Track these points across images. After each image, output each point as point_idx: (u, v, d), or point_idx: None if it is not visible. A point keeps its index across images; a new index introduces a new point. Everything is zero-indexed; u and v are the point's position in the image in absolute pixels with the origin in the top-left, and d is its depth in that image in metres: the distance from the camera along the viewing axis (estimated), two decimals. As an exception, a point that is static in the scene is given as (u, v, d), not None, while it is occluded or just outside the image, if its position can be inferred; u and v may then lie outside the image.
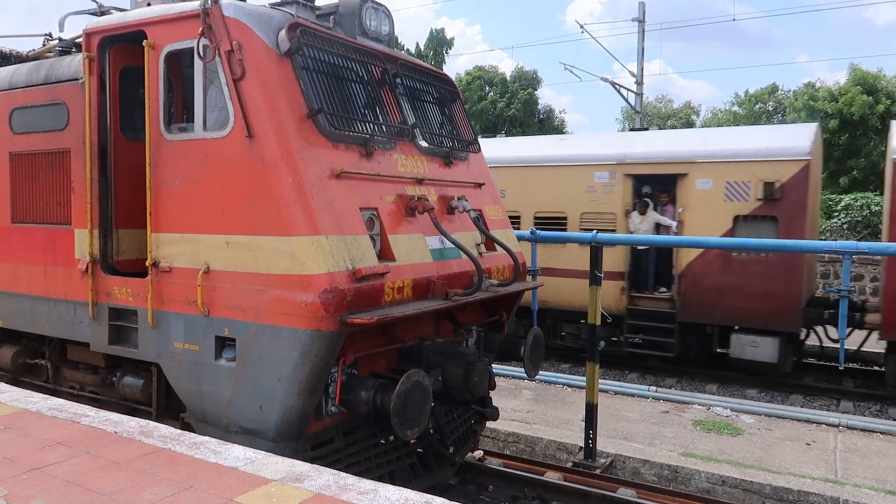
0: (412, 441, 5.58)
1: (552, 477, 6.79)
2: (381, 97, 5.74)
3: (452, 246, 5.45)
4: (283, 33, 4.92)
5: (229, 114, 4.84)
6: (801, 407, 10.58)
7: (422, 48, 45.41)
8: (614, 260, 11.67)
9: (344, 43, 5.49)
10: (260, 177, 4.68)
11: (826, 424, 8.97)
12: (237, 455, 4.15)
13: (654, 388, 10.35)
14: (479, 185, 6.68)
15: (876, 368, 12.88)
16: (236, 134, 4.80)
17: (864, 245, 6.94)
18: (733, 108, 54.59)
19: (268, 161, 4.65)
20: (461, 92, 7.19)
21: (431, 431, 5.82)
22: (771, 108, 52.21)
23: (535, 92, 51.01)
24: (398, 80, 6.06)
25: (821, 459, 7.70)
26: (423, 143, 6.11)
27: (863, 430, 8.83)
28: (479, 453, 7.36)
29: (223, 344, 4.90)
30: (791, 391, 11.54)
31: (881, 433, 8.69)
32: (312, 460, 4.69)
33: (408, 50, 42.01)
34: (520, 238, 7.32)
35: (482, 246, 6.27)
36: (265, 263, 4.64)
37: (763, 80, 77.70)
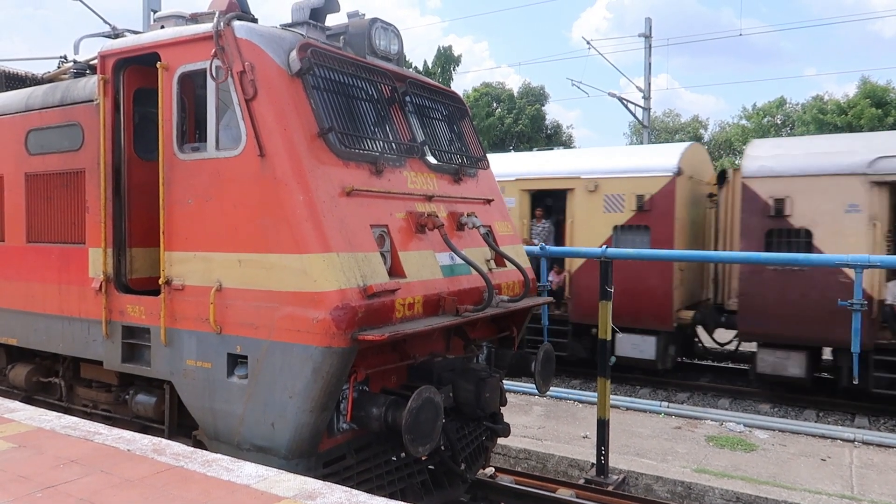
0: (424, 458, 5.56)
1: (564, 494, 6.74)
2: (390, 115, 5.80)
3: (462, 262, 5.47)
4: (294, 54, 4.99)
5: (241, 133, 4.90)
6: (816, 422, 10.48)
7: (430, 66, 45.74)
8: None
9: (354, 62, 5.56)
10: (272, 195, 4.72)
11: (841, 440, 8.88)
12: (249, 472, 4.16)
13: (665, 403, 10.29)
14: (489, 202, 6.71)
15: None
16: (248, 153, 4.86)
17: (875, 258, 6.90)
18: (741, 122, 54.60)
19: (279, 179, 4.70)
20: (469, 108, 7.24)
21: (443, 448, 5.80)
22: (779, 122, 52.16)
23: (543, 107, 51.21)
24: (407, 98, 6.12)
25: (836, 475, 7.61)
26: (433, 160, 6.15)
27: (879, 445, 8.73)
28: (490, 470, 7.32)
29: (235, 361, 4.92)
30: (805, 406, 11.43)
31: (897, 448, 8.59)
32: (324, 477, 4.70)
33: (416, 68, 42.32)
34: (529, 254, 7.33)
35: (492, 262, 6.29)
36: (277, 281, 4.67)
37: (771, 94, 77.72)
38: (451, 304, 5.26)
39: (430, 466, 5.86)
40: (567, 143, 51.63)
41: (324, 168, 4.85)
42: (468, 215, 6.03)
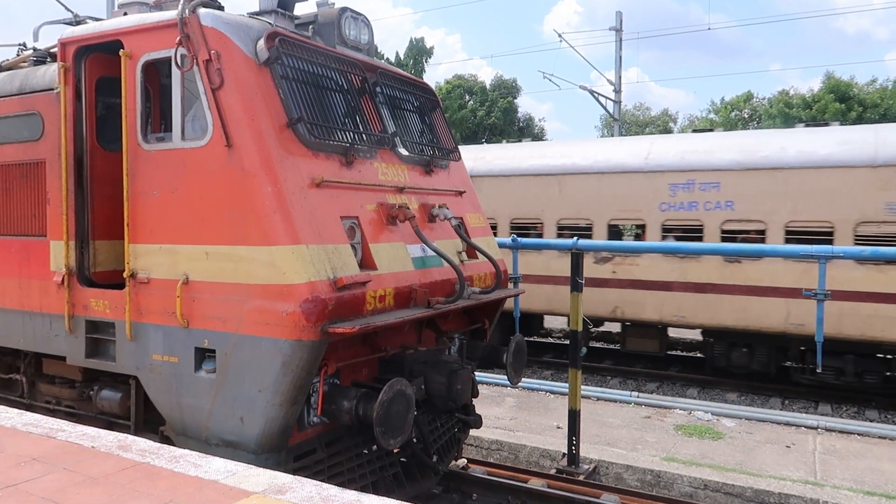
0: (395, 450, 5.55)
1: (536, 484, 6.79)
2: (361, 106, 5.74)
3: (434, 254, 5.45)
4: (261, 42, 4.90)
5: (208, 123, 4.81)
6: (781, 410, 10.71)
7: (402, 57, 45.50)
8: None
9: (323, 52, 5.48)
10: (239, 186, 4.64)
11: (805, 427, 9.07)
12: (218, 468, 4.10)
13: (636, 393, 10.40)
14: (460, 193, 6.70)
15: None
16: (215, 143, 4.77)
17: (839, 249, 7.07)
18: (710, 116, 55.38)
19: (247, 170, 4.62)
20: (441, 100, 7.21)
21: (415, 440, 5.79)
22: (746, 116, 53.01)
23: (515, 100, 51.32)
24: (378, 89, 6.07)
25: (801, 461, 7.78)
26: (404, 152, 6.11)
27: (841, 431, 8.94)
28: (462, 461, 7.34)
29: (203, 355, 4.84)
30: (771, 394, 11.67)
31: (858, 434, 8.81)
32: (295, 472, 4.65)
33: (388, 59, 42.07)
34: (501, 245, 7.34)
35: (464, 254, 6.28)
36: (245, 273, 4.60)
37: (739, 88, 78.83)
38: (423, 296, 5.24)
39: (402, 459, 5.85)
40: (539, 136, 51.84)
41: (292, 159, 4.78)
42: (439, 207, 6.00)
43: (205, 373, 4.82)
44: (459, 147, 7.44)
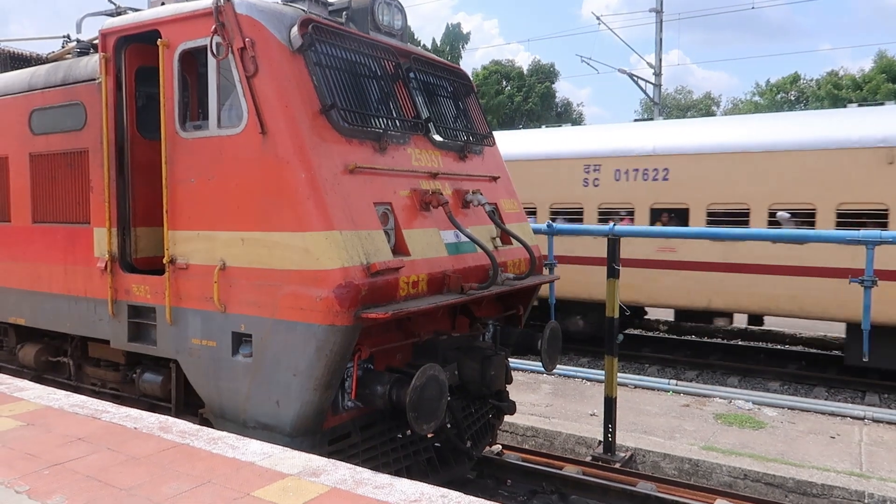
0: (429, 435, 5.57)
1: (571, 471, 6.75)
2: (394, 92, 5.73)
3: (468, 240, 5.43)
4: (295, 30, 4.92)
5: (243, 111, 4.86)
6: (826, 400, 10.42)
7: (438, 44, 45.32)
8: None
9: (356, 38, 5.48)
10: (274, 173, 4.69)
11: (851, 417, 8.81)
12: (254, 450, 4.18)
13: (674, 381, 10.25)
14: (494, 179, 6.65)
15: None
16: (250, 131, 4.81)
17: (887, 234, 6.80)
18: (754, 99, 53.89)
19: (281, 157, 4.66)
20: (475, 86, 7.15)
21: (448, 426, 5.81)
22: (793, 98, 51.44)
23: (553, 85, 50.73)
24: (411, 75, 6.04)
25: (845, 453, 7.57)
26: (438, 138, 6.09)
27: (889, 422, 8.66)
28: (497, 448, 7.34)
29: (240, 340, 4.92)
30: (815, 384, 11.37)
31: (908, 426, 8.52)
32: (329, 455, 4.71)
33: (424, 45, 41.94)
34: (536, 231, 7.27)
35: (498, 239, 6.24)
36: (280, 259, 4.65)
37: (785, 70, 76.62)
38: (456, 281, 5.23)
39: (436, 444, 5.88)
40: (577, 121, 51.21)
41: (326, 145, 4.80)
42: (473, 193, 5.97)
43: (242, 357, 4.90)
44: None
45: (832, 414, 8.94)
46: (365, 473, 3.81)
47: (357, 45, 5.45)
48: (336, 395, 4.81)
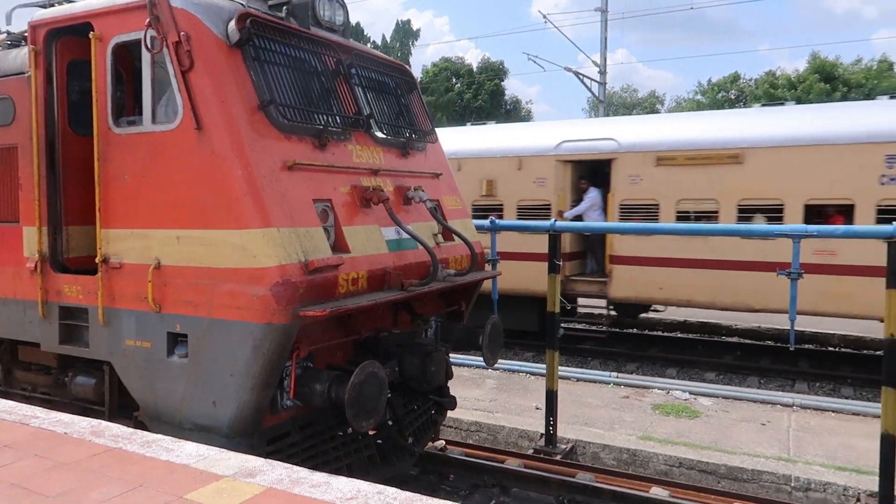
0: (371, 432, 5.59)
1: (512, 464, 6.86)
2: (335, 88, 5.70)
3: (409, 237, 5.45)
4: (232, 24, 4.85)
5: (178, 106, 4.77)
6: (758, 388, 10.86)
7: (388, 40, 45.15)
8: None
9: (296, 33, 5.43)
10: (210, 169, 4.62)
11: (781, 405, 9.22)
12: (190, 452, 4.11)
13: (615, 374, 10.52)
14: (437, 176, 6.69)
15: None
16: (185, 126, 4.73)
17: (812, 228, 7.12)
18: (697, 97, 55.41)
19: (218, 153, 4.60)
20: (422, 82, 7.17)
21: (390, 423, 5.83)
22: (733, 97, 53.09)
23: (502, 83, 51.17)
24: (353, 71, 6.02)
25: (775, 439, 7.91)
26: (379, 134, 6.09)
27: (815, 409, 9.10)
28: (441, 443, 7.41)
29: (175, 340, 4.84)
30: (749, 373, 11.82)
31: (833, 412, 8.97)
32: (268, 455, 4.68)
33: (374, 42, 41.71)
34: (478, 227, 7.36)
35: (440, 236, 6.28)
36: (216, 257, 4.59)
37: (727, 69, 78.92)
38: (397, 278, 5.25)
39: (377, 441, 5.89)
40: (526, 119, 51.77)
41: (264, 141, 4.76)
42: (415, 189, 6.00)
43: (177, 357, 4.82)
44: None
45: (763, 402, 9.34)
46: (302, 472, 3.80)
47: (297, 40, 5.41)
48: (275, 394, 4.78)
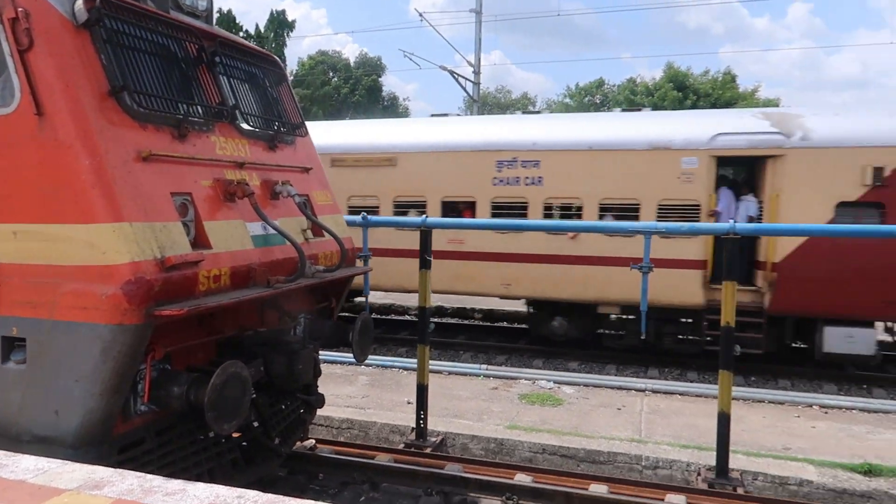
0: (234, 435, 5.40)
1: (383, 459, 6.89)
2: (196, 76, 5.43)
3: (276, 232, 5.31)
4: (80, 2, 4.48)
5: (15, 88, 4.35)
6: (615, 375, 11.60)
7: (262, 30, 43.56)
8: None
9: (154, 17, 5.12)
10: (53, 159, 4.25)
11: (634, 390, 9.91)
12: (27, 466, 3.77)
13: (485, 366, 10.84)
14: (307, 170, 6.56)
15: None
16: (23, 111, 4.32)
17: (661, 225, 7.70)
18: (566, 100, 58.08)
19: (62, 141, 4.24)
20: (294, 74, 7.00)
21: (255, 424, 5.67)
22: (598, 101, 56.17)
23: (380, 79, 51.03)
24: (217, 59, 5.77)
25: (629, 422, 8.49)
26: (245, 126, 5.88)
27: (665, 392, 9.86)
28: (310, 442, 7.29)
29: (11, 345, 4.41)
30: (607, 362, 12.59)
31: (679, 394, 9.76)
32: (120, 464, 4.40)
33: (247, 31, 40.08)
34: (350, 224, 7.30)
35: (309, 232, 6.17)
36: (60, 254, 4.24)
37: (594, 75, 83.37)
38: (263, 275, 5.10)
39: (242, 443, 5.71)
40: (403, 115, 51.95)
41: (115, 130, 4.44)
42: (283, 184, 5.85)
43: (13, 364, 4.40)
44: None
45: (620, 388, 9.99)
46: (156, 481, 3.60)
47: (155, 24, 5.10)
48: (127, 399, 4.49)
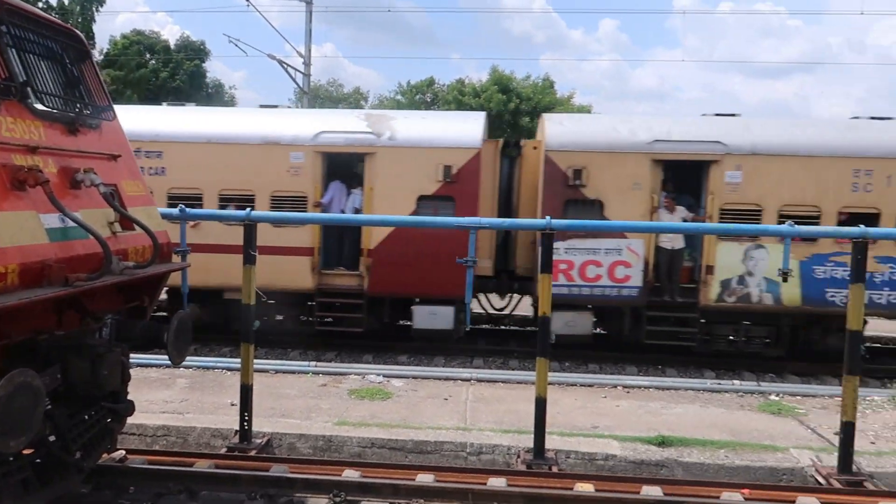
0: (25, 451, 4.82)
1: (202, 466, 6.51)
2: (-24, 47, 4.77)
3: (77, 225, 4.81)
4: None
5: None
6: (443, 367, 11.95)
7: (66, 2, 39.17)
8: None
9: None
10: None
11: (461, 380, 10.28)
12: None
13: (314, 363, 10.66)
14: (115, 157, 6.02)
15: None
16: None
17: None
18: (397, 97, 58.69)
19: None
20: (104, 53, 6.36)
21: (51, 438, 5.10)
22: (429, 100, 57.38)
23: (203, 64, 48.25)
24: (4, 29, 5.10)
25: (455, 411, 8.79)
26: (39, 106, 5.26)
27: (489, 381, 10.34)
28: (120, 453, 6.72)
29: None
30: (434, 354, 12.94)
31: (502, 382, 10.29)
32: None
33: (49, 4, 35.84)
34: (165, 216, 6.82)
35: (117, 225, 5.67)
36: None
37: (425, 73, 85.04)
38: (60, 272, 4.59)
39: (36, 460, 5.11)
40: (230, 104, 49.51)
41: None
42: (85, 172, 5.31)
43: None
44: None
45: (447, 378, 10.32)
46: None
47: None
48: None
